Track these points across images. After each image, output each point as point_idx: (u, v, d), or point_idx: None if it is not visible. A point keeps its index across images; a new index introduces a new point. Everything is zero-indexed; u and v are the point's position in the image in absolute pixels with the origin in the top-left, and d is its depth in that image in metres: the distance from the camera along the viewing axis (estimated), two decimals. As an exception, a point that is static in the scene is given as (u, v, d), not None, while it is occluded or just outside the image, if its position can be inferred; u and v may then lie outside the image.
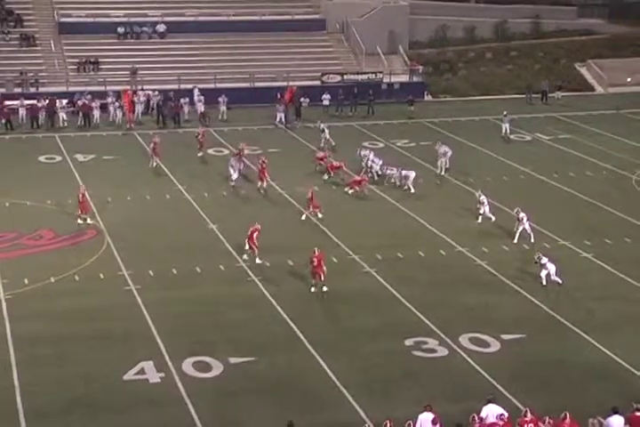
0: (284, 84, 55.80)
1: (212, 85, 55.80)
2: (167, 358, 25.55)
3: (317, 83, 57.89)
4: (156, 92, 53.63)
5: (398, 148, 47.82)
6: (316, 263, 29.79)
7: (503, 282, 30.98)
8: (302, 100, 54.77)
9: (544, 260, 30.39)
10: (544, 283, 30.33)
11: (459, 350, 26.26)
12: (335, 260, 32.07)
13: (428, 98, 59.90)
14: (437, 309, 28.82)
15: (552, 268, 30.28)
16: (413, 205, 38.48)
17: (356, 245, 33.75)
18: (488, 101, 59.07)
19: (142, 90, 54.38)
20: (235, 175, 40.43)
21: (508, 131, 50.17)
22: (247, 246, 32.32)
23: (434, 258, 33.08)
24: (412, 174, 40.13)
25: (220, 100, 53.09)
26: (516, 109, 53.98)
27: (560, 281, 30.25)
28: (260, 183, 39.92)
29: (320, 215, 36.17)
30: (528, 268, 31.53)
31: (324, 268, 29.82)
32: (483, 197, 36.33)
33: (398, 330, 27.37)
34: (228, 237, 34.02)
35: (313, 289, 29.94)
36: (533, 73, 63.33)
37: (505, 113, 50.44)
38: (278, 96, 53.11)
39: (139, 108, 52.29)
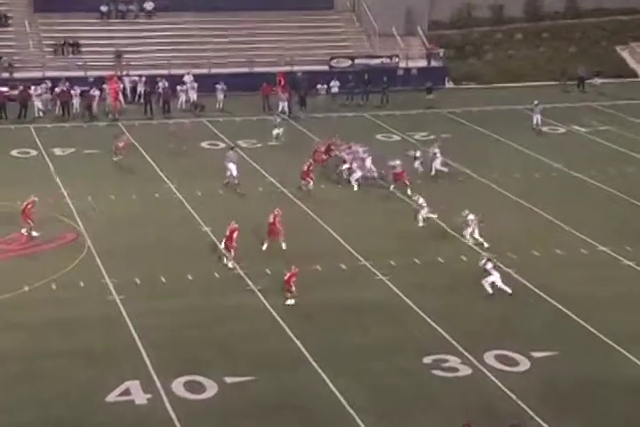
0: (288, 68, 56.00)
1: (205, 70, 55.99)
2: (155, 377, 25.65)
3: (325, 68, 58.05)
4: (143, 78, 53.80)
5: (416, 141, 47.93)
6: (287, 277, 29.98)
7: (531, 290, 31.06)
8: (319, 86, 54.63)
9: (489, 265, 30.47)
10: (490, 291, 30.34)
11: (483, 369, 26.34)
12: (344, 267, 32.14)
13: (449, 85, 60.12)
14: (459, 322, 28.91)
15: (497, 275, 30.37)
16: (431, 204, 38.48)
17: (366, 250, 33.83)
18: (517, 89, 59.18)
19: (128, 75, 54.63)
20: (234, 171, 40.36)
21: (540, 122, 50.27)
22: (223, 247, 32.60)
23: (454, 264, 33.17)
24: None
25: (218, 87, 52.97)
26: (548, 98, 54.06)
27: (510, 291, 30.31)
28: (309, 183, 40.00)
29: (265, 246, 34.36)
30: (556, 275, 31.63)
31: (293, 286, 29.75)
32: (421, 200, 36.37)
33: (415, 346, 27.48)
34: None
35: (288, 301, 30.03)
36: (569, 57, 63.50)
37: (536, 102, 50.54)
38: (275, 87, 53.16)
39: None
